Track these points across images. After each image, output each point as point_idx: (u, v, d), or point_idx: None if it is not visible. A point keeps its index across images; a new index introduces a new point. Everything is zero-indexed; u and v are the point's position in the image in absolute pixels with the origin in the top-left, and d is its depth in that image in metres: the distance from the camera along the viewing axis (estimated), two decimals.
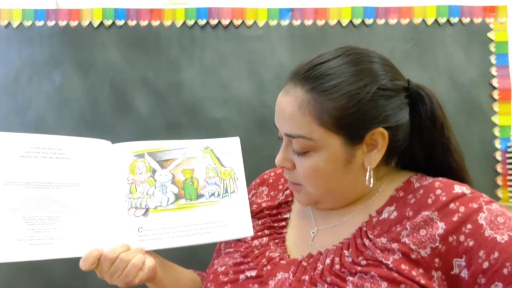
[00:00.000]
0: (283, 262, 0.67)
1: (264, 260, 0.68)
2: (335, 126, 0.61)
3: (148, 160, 0.75)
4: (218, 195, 0.76)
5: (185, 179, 0.76)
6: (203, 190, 0.76)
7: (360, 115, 0.61)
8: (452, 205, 0.59)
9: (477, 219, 0.58)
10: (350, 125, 0.61)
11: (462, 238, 0.57)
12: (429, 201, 0.61)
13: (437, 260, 0.58)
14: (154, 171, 0.75)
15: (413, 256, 0.58)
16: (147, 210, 0.73)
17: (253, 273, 0.67)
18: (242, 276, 0.67)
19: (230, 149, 0.79)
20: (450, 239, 0.58)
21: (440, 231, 0.58)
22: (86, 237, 0.69)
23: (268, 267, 0.67)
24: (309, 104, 0.62)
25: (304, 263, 0.65)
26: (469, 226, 0.58)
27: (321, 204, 0.70)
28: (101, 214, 0.71)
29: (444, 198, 0.60)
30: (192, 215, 0.74)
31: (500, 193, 1.51)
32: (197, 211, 0.74)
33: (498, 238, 0.56)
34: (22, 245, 0.65)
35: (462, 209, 0.59)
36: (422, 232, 0.59)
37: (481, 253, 0.56)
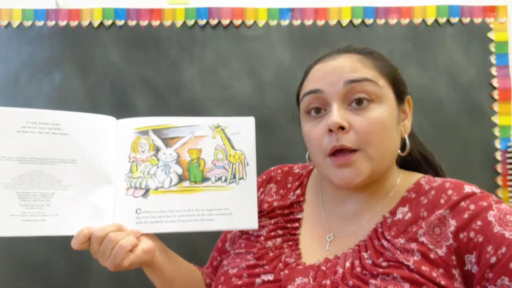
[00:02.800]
0: (300, 267, 0.66)
1: (280, 265, 0.66)
2: (391, 80, 0.67)
3: (152, 137, 0.70)
4: (225, 180, 0.71)
5: (191, 160, 0.70)
6: (210, 173, 0.70)
7: (401, 80, 0.71)
8: (462, 203, 0.61)
9: (487, 216, 0.58)
10: (399, 83, 0.69)
11: (472, 234, 0.58)
12: (442, 201, 0.62)
13: (454, 257, 0.59)
14: (157, 150, 0.70)
15: (432, 256, 0.58)
16: (147, 191, 0.69)
17: (270, 277, 0.65)
18: (258, 280, 0.65)
19: (243, 130, 0.72)
20: (461, 235, 0.59)
21: (452, 228, 0.59)
22: (80, 215, 0.66)
23: (286, 271, 0.65)
24: (369, 60, 0.67)
25: (323, 268, 0.64)
26: (479, 222, 0.58)
27: (365, 178, 0.65)
28: (98, 193, 0.68)
29: (455, 198, 0.61)
30: (196, 199, 0.69)
31: (500, 193, 1.51)
32: (201, 195, 0.69)
33: (507, 234, 0.56)
34: (14, 220, 0.64)
35: (472, 206, 0.60)
36: (437, 230, 0.60)
37: (489, 248, 0.57)
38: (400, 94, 0.69)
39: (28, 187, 0.65)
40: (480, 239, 0.57)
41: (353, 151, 0.63)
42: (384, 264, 0.59)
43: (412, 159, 0.76)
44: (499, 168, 1.52)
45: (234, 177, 0.71)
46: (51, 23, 1.60)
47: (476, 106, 1.54)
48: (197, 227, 0.69)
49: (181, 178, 0.70)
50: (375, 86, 0.64)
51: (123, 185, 0.69)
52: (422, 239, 0.60)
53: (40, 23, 1.60)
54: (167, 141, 0.71)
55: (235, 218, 0.69)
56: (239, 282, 0.66)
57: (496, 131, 1.54)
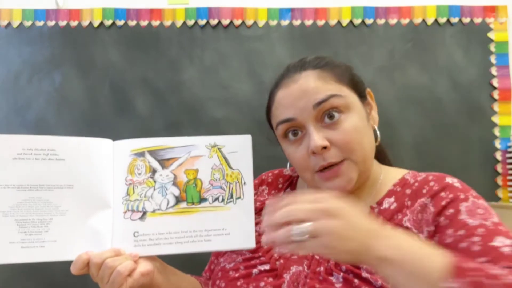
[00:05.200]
0: (294, 257, 0.68)
1: (275, 255, 0.69)
2: (350, 85, 0.70)
3: (148, 159, 0.70)
4: (223, 200, 0.71)
5: (188, 181, 0.70)
6: (207, 193, 0.70)
7: (358, 78, 0.74)
8: (442, 193, 0.64)
9: (459, 205, 0.62)
10: (357, 83, 0.72)
11: (442, 219, 0.62)
12: (424, 191, 0.66)
13: (432, 241, 0.62)
14: (154, 171, 0.70)
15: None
16: (144, 213, 0.69)
17: (266, 267, 0.67)
18: (255, 271, 0.67)
19: (240, 148, 0.72)
20: (435, 221, 0.63)
21: (432, 215, 0.63)
22: (78, 240, 0.67)
23: (281, 261, 0.68)
24: (325, 73, 0.70)
25: (317, 257, 0.67)
26: (451, 210, 0.62)
27: (354, 182, 0.68)
28: (96, 217, 0.68)
29: (436, 188, 0.65)
30: (193, 220, 0.69)
31: (500, 193, 1.51)
32: (199, 216, 0.70)
33: (469, 221, 0.59)
34: (13, 247, 0.64)
35: (450, 196, 0.63)
36: (419, 216, 0.64)
37: (450, 231, 0.60)
38: (361, 93, 0.72)
39: (26, 214, 0.66)
40: (445, 223, 0.61)
41: (340, 162, 0.67)
42: None
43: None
44: (499, 168, 1.52)
45: (232, 197, 0.71)
46: (51, 23, 1.60)
47: (476, 106, 1.54)
48: (194, 248, 0.69)
49: (178, 200, 0.70)
50: (341, 99, 0.68)
51: (120, 208, 0.69)
52: (407, 224, 0.64)
53: (40, 23, 1.60)
54: (164, 162, 0.71)
55: (232, 238, 0.69)
56: (237, 275, 0.68)
57: (496, 131, 1.53)
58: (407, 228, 0.63)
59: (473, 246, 0.56)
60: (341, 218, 0.51)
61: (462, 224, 0.60)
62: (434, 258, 0.48)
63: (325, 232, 0.51)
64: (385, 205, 0.68)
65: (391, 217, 0.66)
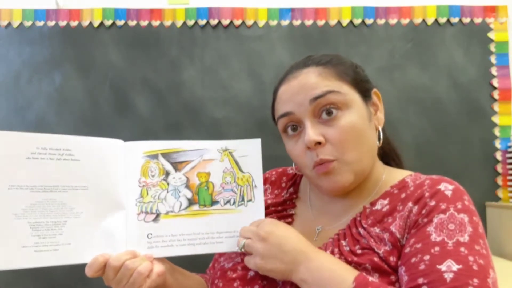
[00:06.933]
0: None
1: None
2: (353, 83, 0.69)
3: (162, 161, 0.71)
4: (234, 202, 0.72)
5: (200, 183, 0.72)
6: (218, 196, 0.72)
7: (363, 77, 0.72)
8: (427, 200, 0.62)
9: (434, 216, 0.60)
10: (361, 82, 0.71)
11: (414, 230, 0.61)
12: (415, 195, 0.64)
13: None
14: (167, 174, 0.71)
15: (399, 245, 0.61)
16: (157, 215, 0.69)
17: None
18: (251, 272, 0.68)
19: (250, 152, 0.74)
20: (412, 230, 0.62)
21: (412, 222, 0.61)
22: (92, 242, 0.66)
23: None
24: (328, 69, 0.69)
25: None
26: (425, 219, 0.60)
27: (351, 181, 0.68)
28: (110, 219, 0.67)
29: (426, 193, 0.63)
30: (205, 222, 0.70)
31: (500, 193, 1.51)
32: (211, 218, 0.71)
33: (433, 236, 0.58)
34: (26, 251, 0.62)
35: (432, 204, 0.61)
36: (406, 222, 0.62)
37: (412, 240, 0.59)
38: (365, 93, 0.71)
39: (40, 217, 0.63)
40: (414, 231, 0.60)
41: (332, 160, 0.66)
42: (359, 251, 0.62)
43: (383, 151, 0.78)
44: (499, 168, 1.52)
45: (243, 199, 0.72)
46: (51, 23, 1.60)
47: (476, 106, 1.54)
48: (207, 250, 0.70)
49: (190, 202, 0.71)
50: (339, 95, 0.67)
51: (134, 210, 0.69)
52: (394, 229, 0.62)
53: (40, 23, 1.60)
54: (176, 165, 0.71)
55: None
56: (234, 275, 0.69)
57: (496, 131, 1.54)
58: (392, 233, 0.62)
59: (420, 264, 0.56)
60: (267, 243, 0.62)
61: (425, 236, 0.58)
62: (345, 280, 0.56)
63: (254, 252, 0.63)
64: (378, 206, 0.67)
65: (381, 220, 0.65)
